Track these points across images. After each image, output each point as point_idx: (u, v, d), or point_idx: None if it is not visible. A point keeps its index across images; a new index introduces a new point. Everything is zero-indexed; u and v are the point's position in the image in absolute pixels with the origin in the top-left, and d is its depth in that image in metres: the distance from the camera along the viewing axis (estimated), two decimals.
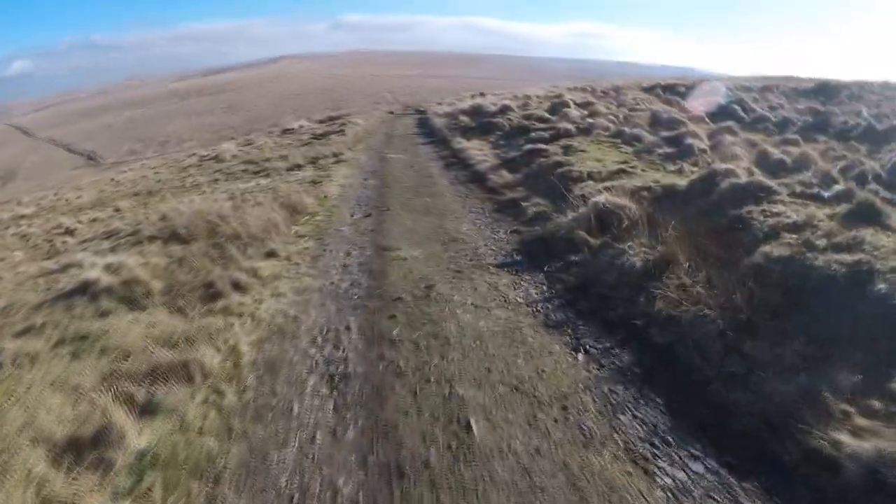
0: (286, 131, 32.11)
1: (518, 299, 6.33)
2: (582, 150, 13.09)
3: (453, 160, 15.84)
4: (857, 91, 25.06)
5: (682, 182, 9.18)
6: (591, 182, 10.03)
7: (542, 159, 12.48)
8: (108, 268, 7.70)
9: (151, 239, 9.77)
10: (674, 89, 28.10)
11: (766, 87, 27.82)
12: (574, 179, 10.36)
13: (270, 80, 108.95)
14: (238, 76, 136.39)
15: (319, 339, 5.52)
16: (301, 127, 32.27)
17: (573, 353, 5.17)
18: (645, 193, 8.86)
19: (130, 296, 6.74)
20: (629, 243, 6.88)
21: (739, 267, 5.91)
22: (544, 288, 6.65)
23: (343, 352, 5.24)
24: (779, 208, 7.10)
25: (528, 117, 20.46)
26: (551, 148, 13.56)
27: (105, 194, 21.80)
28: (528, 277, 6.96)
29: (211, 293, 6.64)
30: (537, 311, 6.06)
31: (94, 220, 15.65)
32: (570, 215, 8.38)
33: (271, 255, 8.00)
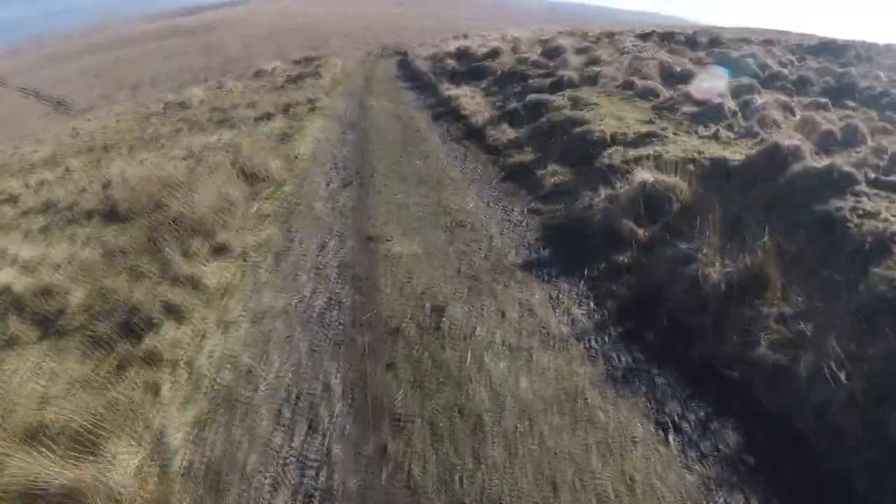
0: (259, 73, 29.44)
1: (563, 329, 4.37)
2: (593, 104, 10.96)
3: (442, 109, 13.67)
4: (864, 52, 22.92)
5: (733, 156, 7.17)
6: (618, 147, 8.00)
7: (551, 113, 10.39)
8: (28, 266, 6.02)
9: (89, 215, 8.04)
10: (672, 37, 25.68)
11: (767, 40, 25.55)
12: (596, 143, 8.31)
13: (246, 20, 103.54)
14: (214, 15, 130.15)
15: (286, 414, 3.53)
16: (275, 69, 29.49)
17: (661, 432, 3.31)
18: (690, 167, 6.90)
19: (44, 314, 4.88)
20: (696, 244, 4.92)
21: (854, 295, 4.01)
22: (592, 306, 4.70)
23: (323, 442, 3.29)
24: (870, 205, 5.15)
25: (521, 62, 18.18)
26: (557, 100, 11.43)
27: (62, 148, 19.40)
28: (566, 288, 4.98)
29: (138, 320, 4.61)
30: (594, 351, 4.13)
31: (42, 182, 13.49)
32: (603, 193, 6.41)
33: (222, 250, 5.86)
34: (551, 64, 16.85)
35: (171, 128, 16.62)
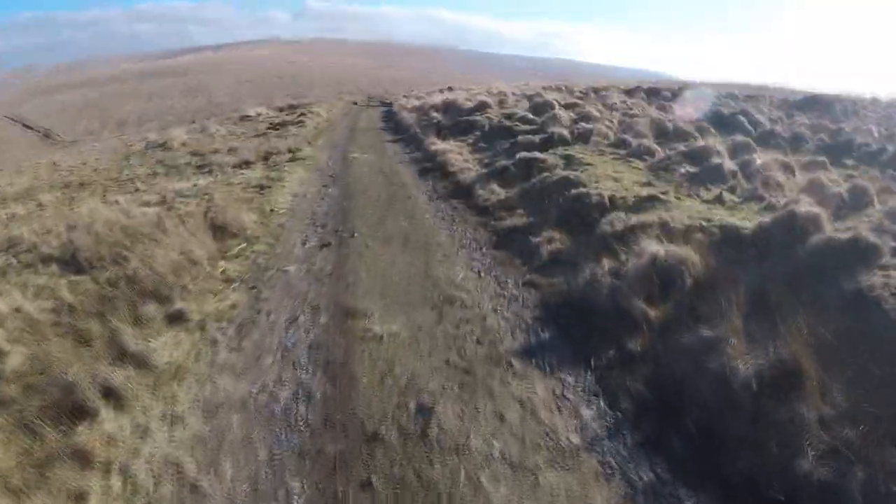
0: (244, 118, 28.88)
1: (572, 438, 3.63)
2: (587, 163, 10.43)
3: (429, 165, 13.04)
4: (851, 106, 22.88)
5: (743, 223, 6.58)
6: (618, 213, 7.38)
7: (545, 174, 9.81)
8: None
9: (48, 260, 7.27)
10: (658, 93, 25.58)
11: (751, 96, 25.51)
12: (594, 206, 7.72)
13: (231, 65, 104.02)
14: (197, 59, 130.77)
15: None
16: (259, 115, 29.00)
17: None
18: (699, 236, 6.29)
19: None
20: (718, 328, 4.26)
21: None
22: (603, 406, 3.97)
23: None
24: None
25: (509, 117, 17.72)
26: (550, 158, 10.90)
27: (38, 182, 18.58)
28: (572, 382, 4.24)
29: (74, 402, 3.82)
30: (609, 466, 3.41)
31: (13, 216, 12.71)
32: (607, 265, 5.76)
33: (178, 318, 5.09)
34: (540, 119, 16.40)
35: (148, 169, 15.93)
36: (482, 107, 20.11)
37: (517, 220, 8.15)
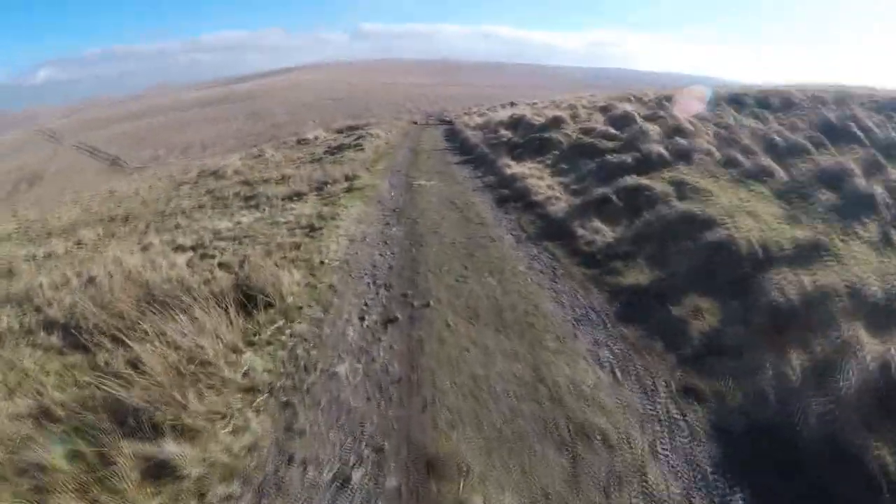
0: (301, 142, 27.53)
1: None
2: (703, 190, 8.36)
3: (506, 192, 11.06)
4: None
5: None
6: (781, 269, 5.29)
7: (659, 207, 7.77)
8: None
9: (50, 328, 6.20)
10: (739, 100, 22.90)
11: (839, 99, 22.61)
12: (743, 258, 5.67)
13: (289, 89, 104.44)
14: (257, 85, 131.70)
15: None
16: (316, 138, 27.60)
17: None
18: None
19: None
20: None
21: None
22: None
23: None
24: None
25: (587, 132, 15.62)
26: (657, 185, 8.86)
27: (87, 215, 17.44)
28: None
29: None
30: None
31: (49, 255, 11.77)
32: (797, 364, 3.79)
33: (164, 472, 3.21)
34: (624, 135, 14.31)
35: (195, 201, 14.59)
36: (556, 122, 17.98)
37: (639, 275, 6.11)
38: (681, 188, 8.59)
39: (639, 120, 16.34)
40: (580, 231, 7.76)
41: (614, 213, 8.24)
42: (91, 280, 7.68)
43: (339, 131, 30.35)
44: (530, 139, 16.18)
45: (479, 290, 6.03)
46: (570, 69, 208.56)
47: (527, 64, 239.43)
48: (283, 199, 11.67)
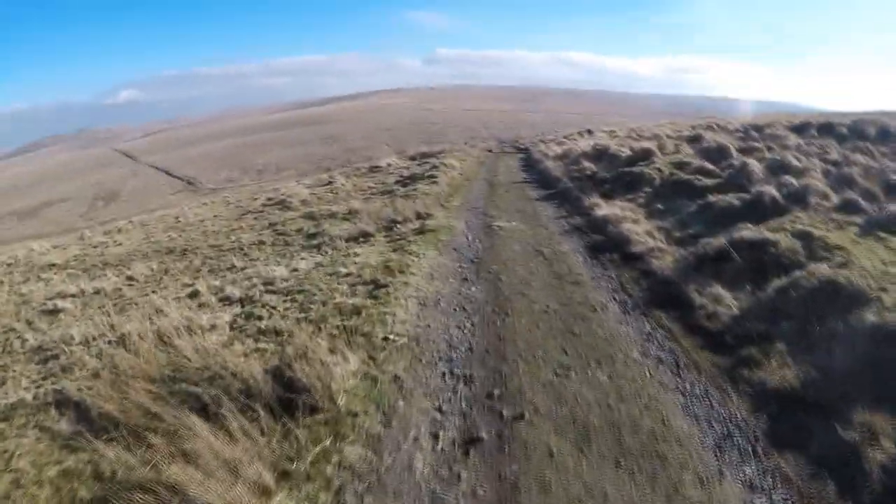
0: (373, 169, 26.58)
1: None
2: (835, 247, 6.97)
3: (599, 238, 9.67)
4: None
5: None
6: None
7: (794, 272, 6.20)
8: None
9: (64, 406, 5.20)
10: (832, 129, 20.76)
11: None
12: None
13: (365, 113, 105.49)
14: (332, 109, 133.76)
15: None
16: (389, 165, 26.56)
17: None
18: None
19: None
20: None
21: None
22: None
23: None
24: None
25: (679, 166, 14.02)
26: (781, 239, 7.27)
27: (145, 244, 16.72)
28: None
29: None
30: None
31: (95, 292, 10.87)
32: None
33: None
34: (723, 171, 12.65)
35: (256, 235, 13.57)
36: (645, 155, 16.34)
37: (785, 370, 4.67)
38: (808, 243, 7.19)
39: (734, 153, 14.65)
40: (697, 298, 6.31)
41: (735, 274, 6.80)
42: (122, 339, 6.71)
43: (413, 158, 29.35)
44: (619, 174, 14.64)
45: (587, 393, 4.56)
46: (647, 96, 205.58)
47: (604, 91, 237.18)
48: (347, 241, 10.45)
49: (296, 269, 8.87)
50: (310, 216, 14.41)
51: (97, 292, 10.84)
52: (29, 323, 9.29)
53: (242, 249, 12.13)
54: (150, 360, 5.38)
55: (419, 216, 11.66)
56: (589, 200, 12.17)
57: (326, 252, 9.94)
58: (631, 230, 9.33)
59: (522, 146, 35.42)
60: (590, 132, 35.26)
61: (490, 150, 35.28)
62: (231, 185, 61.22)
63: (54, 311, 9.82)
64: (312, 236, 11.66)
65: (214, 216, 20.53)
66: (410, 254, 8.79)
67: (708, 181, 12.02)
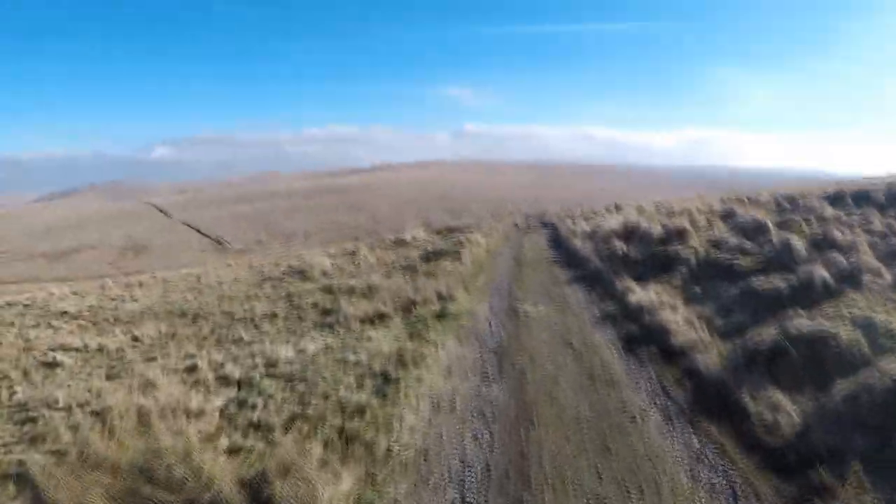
0: (397, 242, 26.05)
1: None
2: None
3: (634, 328, 8.84)
4: None
5: None
6: None
7: (862, 372, 5.38)
8: None
9: (21, 487, 4.68)
10: (868, 197, 19.64)
11: None
12: None
13: (393, 184, 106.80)
14: (362, 178, 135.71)
15: None
16: (414, 238, 26.02)
17: None
18: None
19: None
20: None
21: None
22: None
23: None
24: None
25: (716, 245, 13.11)
26: (840, 330, 6.37)
27: (160, 302, 16.19)
28: None
29: None
30: None
31: (100, 349, 10.48)
32: None
33: None
34: (763, 249, 11.78)
35: (270, 306, 12.98)
36: (679, 233, 15.42)
37: (863, 499, 3.77)
38: (870, 333, 6.27)
39: (772, 228, 13.76)
40: (752, 405, 5.47)
41: (792, 374, 5.96)
42: (100, 413, 6.21)
43: (438, 232, 28.86)
44: (652, 254, 13.77)
45: None
46: (666, 168, 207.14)
47: (623, 164, 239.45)
48: (362, 321, 9.75)
49: (303, 351, 8.18)
50: (328, 289, 13.80)
51: (100, 349, 10.49)
52: (25, 373, 9.08)
53: (254, 320, 11.56)
54: (123, 445, 4.85)
55: (441, 297, 10.94)
56: (622, 284, 11.32)
57: (339, 332, 9.26)
58: (670, 319, 8.47)
59: (548, 221, 34.79)
60: (617, 207, 34.61)
61: (516, 225, 34.70)
62: (259, 247, 61.69)
63: (53, 364, 9.59)
64: (327, 312, 11.00)
65: (234, 279, 20.08)
66: (428, 342, 8.04)
67: (748, 261, 11.15)
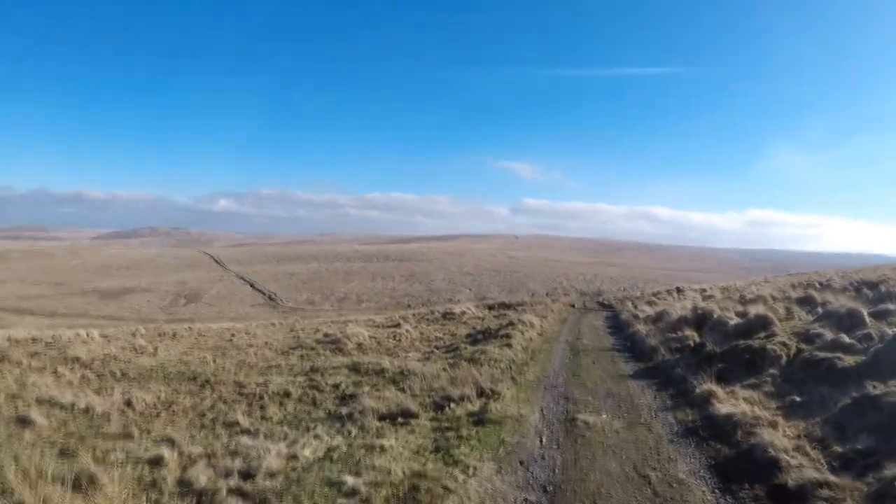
0: (446, 315, 24.25)
1: None
2: None
3: (726, 449, 6.69)
4: None
5: None
6: None
7: None
8: None
9: None
10: None
11: None
12: None
13: (450, 255, 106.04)
14: (420, 247, 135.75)
15: None
16: (464, 314, 24.20)
17: None
18: None
19: None
20: None
21: None
22: None
23: None
24: None
25: (805, 338, 10.69)
26: None
27: (181, 360, 14.72)
28: None
29: None
30: None
31: (86, 411, 9.20)
32: None
33: None
34: (861, 343, 9.59)
35: (286, 382, 11.34)
36: (761, 322, 12.88)
37: None
38: None
39: (867, 320, 11.31)
40: None
41: None
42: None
43: (490, 307, 27.10)
44: (732, 348, 11.30)
45: None
46: (729, 251, 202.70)
47: (682, 245, 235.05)
48: (381, 418, 7.79)
49: (295, 457, 6.23)
50: (355, 368, 11.97)
51: (86, 411, 9.22)
52: None
53: (262, 399, 9.86)
54: None
55: (481, 393, 8.91)
56: (700, 386, 9.01)
57: (349, 432, 7.32)
58: (774, 443, 6.20)
59: (607, 303, 32.61)
60: (679, 290, 32.34)
61: (572, 306, 32.36)
62: (311, 307, 60.88)
63: (26, 423, 8.26)
64: (344, 400, 9.14)
65: (266, 343, 18.51)
66: (456, 463, 5.99)
67: (850, 360, 8.78)
